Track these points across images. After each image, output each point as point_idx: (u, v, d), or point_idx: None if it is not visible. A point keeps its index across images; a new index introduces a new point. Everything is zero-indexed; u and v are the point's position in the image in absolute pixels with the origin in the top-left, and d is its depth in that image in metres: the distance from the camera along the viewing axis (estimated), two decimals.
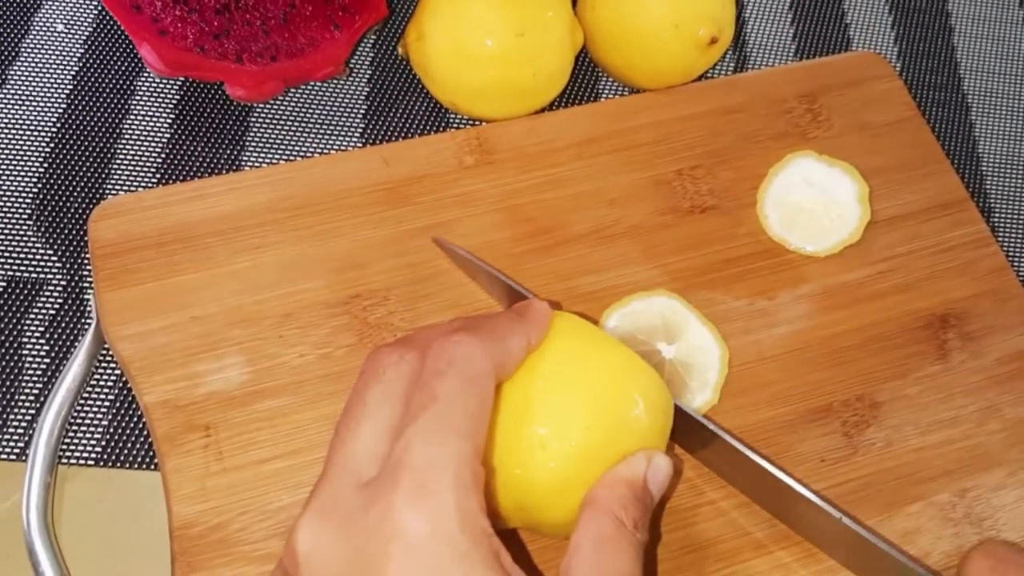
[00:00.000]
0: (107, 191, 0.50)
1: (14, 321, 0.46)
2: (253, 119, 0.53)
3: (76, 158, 0.51)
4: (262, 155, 0.52)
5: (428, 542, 0.28)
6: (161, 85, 0.53)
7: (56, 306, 0.47)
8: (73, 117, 0.52)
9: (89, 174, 0.50)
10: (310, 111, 0.53)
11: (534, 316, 0.35)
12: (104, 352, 0.45)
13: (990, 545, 0.39)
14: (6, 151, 0.51)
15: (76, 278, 0.47)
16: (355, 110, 0.54)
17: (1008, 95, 0.59)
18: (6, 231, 0.48)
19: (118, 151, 0.51)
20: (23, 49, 0.54)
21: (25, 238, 0.48)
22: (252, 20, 0.49)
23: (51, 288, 0.47)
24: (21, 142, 0.51)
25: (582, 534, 0.32)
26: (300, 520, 0.30)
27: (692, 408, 0.41)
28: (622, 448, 0.34)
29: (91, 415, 0.44)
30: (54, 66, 0.54)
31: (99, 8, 0.56)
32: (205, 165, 0.51)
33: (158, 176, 0.51)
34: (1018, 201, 0.55)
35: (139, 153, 0.51)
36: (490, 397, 0.32)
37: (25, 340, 0.46)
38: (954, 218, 0.51)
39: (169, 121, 0.52)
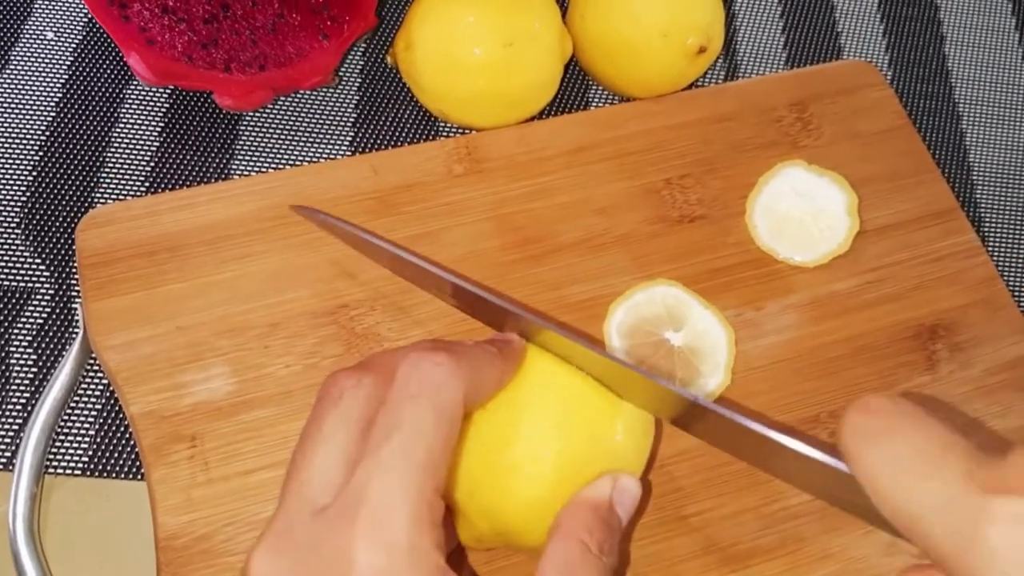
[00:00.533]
0: (96, 200, 0.50)
1: (1, 330, 0.46)
2: (242, 128, 0.53)
3: (65, 166, 0.51)
4: (251, 164, 0.52)
5: None
6: (150, 94, 0.53)
7: (44, 315, 0.47)
8: (62, 125, 0.52)
9: (78, 183, 0.50)
10: (299, 120, 0.53)
11: (511, 351, 0.35)
12: (91, 362, 0.45)
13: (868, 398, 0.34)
14: None
15: (64, 287, 0.47)
16: (344, 119, 0.54)
17: (999, 104, 0.59)
18: None
19: (107, 160, 0.51)
20: (12, 56, 0.54)
21: (13, 247, 0.48)
22: (240, 30, 0.49)
23: (39, 297, 0.47)
24: (10, 150, 0.51)
25: (548, 561, 0.32)
26: (255, 549, 0.29)
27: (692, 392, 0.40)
28: (599, 470, 0.34)
29: (78, 425, 0.44)
30: (43, 74, 0.53)
31: (89, 16, 0.56)
32: (194, 174, 0.51)
33: (147, 185, 0.51)
34: (1008, 210, 0.55)
35: (128, 162, 0.51)
36: (456, 430, 0.31)
37: (12, 349, 0.46)
38: (944, 227, 0.51)
39: (158, 130, 0.52)
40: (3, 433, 0.44)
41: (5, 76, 0.53)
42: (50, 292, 0.47)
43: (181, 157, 0.52)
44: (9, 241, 0.48)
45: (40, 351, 0.46)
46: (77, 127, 0.52)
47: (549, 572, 0.31)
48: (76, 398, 0.45)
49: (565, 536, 0.32)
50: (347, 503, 0.29)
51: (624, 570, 0.40)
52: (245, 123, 0.53)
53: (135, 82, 0.54)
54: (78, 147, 0.51)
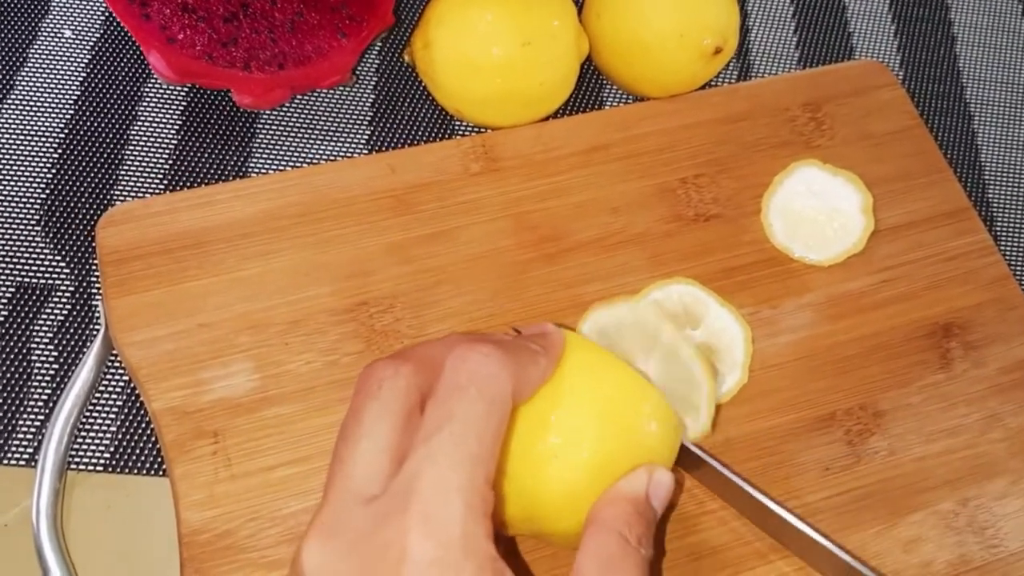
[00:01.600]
0: (114, 197, 0.50)
1: (23, 327, 0.46)
2: (259, 126, 0.53)
3: (83, 164, 0.51)
4: (268, 162, 0.52)
5: (434, 568, 0.28)
6: (168, 92, 0.54)
7: (64, 312, 0.47)
8: (80, 123, 0.52)
9: (96, 180, 0.51)
10: (316, 118, 0.54)
11: (553, 344, 0.35)
12: (112, 358, 0.46)
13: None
14: (14, 157, 0.51)
15: (84, 284, 0.48)
16: (361, 117, 0.54)
17: (1010, 104, 0.59)
18: (15, 237, 0.49)
19: (125, 157, 0.51)
20: (31, 54, 0.54)
21: (33, 244, 0.49)
22: (260, 28, 0.49)
23: (59, 294, 0.47)
24: (29, 148, 0.51)
25: (587, 555, 0.32)
26: (306, 538, 0.30)
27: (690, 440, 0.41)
28: (634, 461, 0.35)
29: (100, 421, 0.44)
30: (62, 72, 0.54)
31: (107, 14, 0.56)
32: (212, 172, 0.51)
33: (165, 182, 0.51)
34: (1020, 210, 0.55)
35: (146, 159, 0.52)
36: (505, 422, 0.31)
37: (34, 346, 0.46)
38: (957, 227, 0.51)
39: (176, 128, 0.53)
40: (26, 429, 0.44)
41: (23, 74, 0.53)
42: (70, 289, 0.47)
43: (199, 155, 0.52)
44: (29, 238, 0.49)
45: (61, 348, 0.46)
46: (95, 125, 0.52)
47: (588, 566, 0.31)
48: (97, 394, 0.45)
49: (604, 530, 0.32)
50: (398, 493, 0.29)
51: (660, 562, 0.41)
52: (262, 121, 0.53)
53: (153, 79, 0.54)
54: (96, 144, 0.52)
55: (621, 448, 0.34)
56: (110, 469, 0.44)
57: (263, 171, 0.52)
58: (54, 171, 0.51)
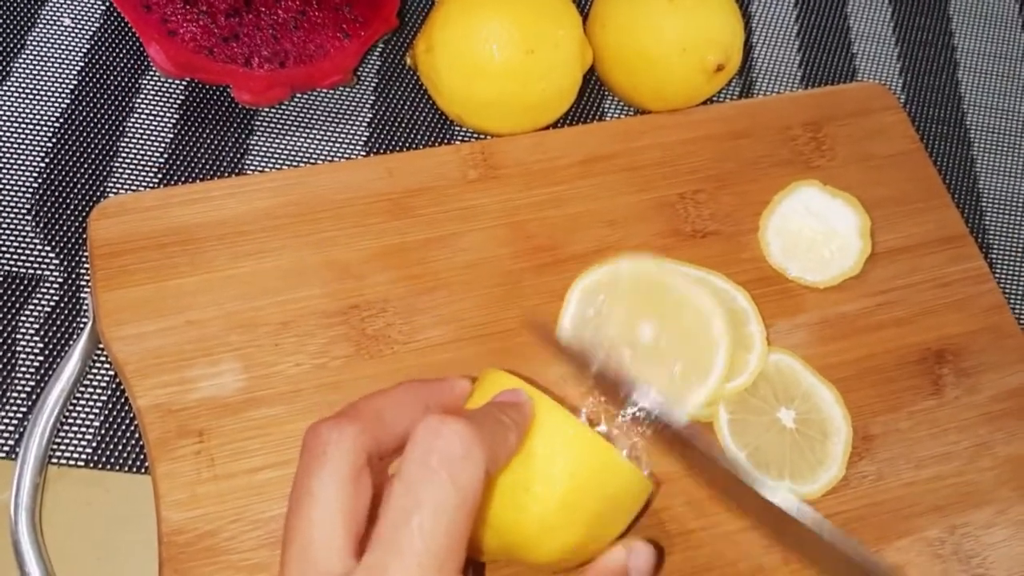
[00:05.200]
0: (108, 189, 0.50)
1: (9, 316, 0.46)
2: (257, 123, 0.53)
3: (78, 154, 0.50)
4: (265, 160, 0.52)
5: None
6: (166, 85, 0.53)
7: (52, 303, 0.46)
8: (76, 113, 0.52)
9: (90, 171, 0.50)
10: (315, 118, 0.53)
11: (524, 416, 0.34)
12: (98, 353, 0.45)
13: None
14: (8, 145, 0.50)
15: (73, 276, 0.47)
16: (360, 119, 0.54)
17: (1011, 132, 0.59)
18: (5, 226, 0.48)
19: (120, 149, 0.51)
20: (28, 42, 0.54)
21: (23, 233, 0.48)
22: (262, 25, 0.49)
23: (48, 284, 0.47)
24: (23, 136, 0.51)
25: None
26: None
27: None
28: (607, 491, 0.35)
29: (83, 416, 0.44)
30: (59, 61, 0.53)
31: (107, 4, 0.55)
32: (208, 167, 0.51)
33: (160, 176, 0.50)
34: (1017, 238, 0.55)
35: (141, 152, 0.51)
36: (476, 509, 0.30)
37: (19, 336, 0.45)
38: (953, 253, 0.51)
39: (173, 121, 0.52)
40: (8, 421, 0.43)
41: (21, 61, 0.53)
42: (59, 280, 0.47)
43: (195, 150, 0.51)
44: (20, 227, 0.48)
45: (47, 339, 0.45)
46: (91, 115, 0.52)
47: None
48: (82, 389, 0.44)
49: None
50: None
51: None
52: (260, 118, 0.53)
53: (151, 72, 0.53)
54: (91, 135, 0.51)
55: (595, 479, 0.35)
56: (91, 465, 0.43)
57: (259, 169, 0.51)
58: (47, 160, 0.50)
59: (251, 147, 0.52)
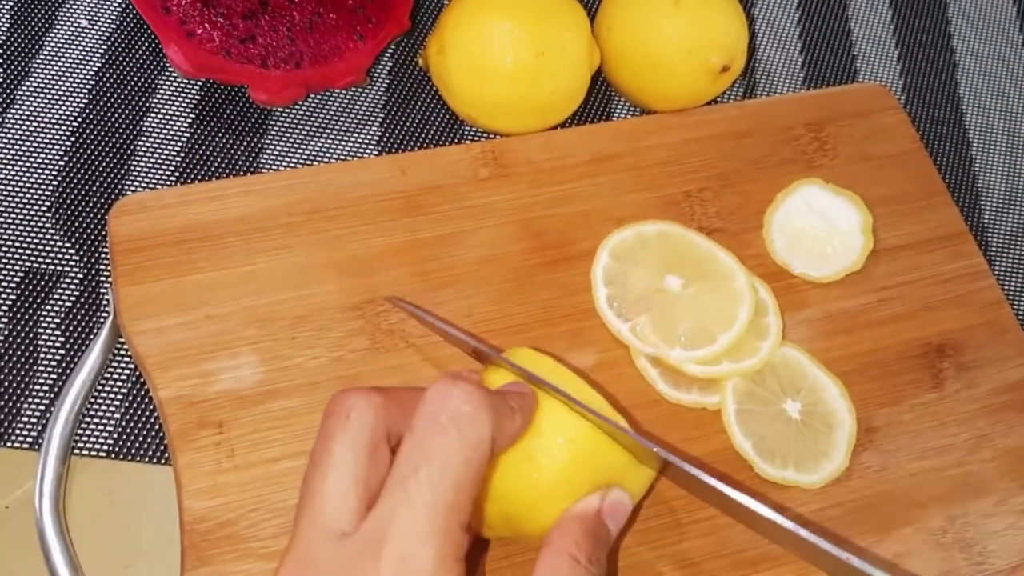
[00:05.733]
0: (126, 187, 0.51)
1: (31, 311, 0.47)
2: (272, 122, 0.54)
3: (96, 153, 0.51)
4: (279, 159, 0.53)
5: None
6: (182, 84, 0.54)
7: (73, 298, 0.47)
8: (94, 112, 0.53)
9: (108, 169, 0.51)
10: (328, 117, 0.54)
11: (528, 405, 0.35)
12: (119, 346, 0.46)
13: None
14: (27, 144, 0.51)
15: (93, 271, 0.48)
16: (372, 118, 0.55)
17: (1009, 132, 0.60)
18: (25, 223, 0.49)
19: (137, 148, 0.52)
20: (46, 43, 0.55)
21: (44, 230, 0.49)
22: (278, 26, 0.50)
23: (68, 280, 0.48)
24: (42, 135, 0.52)
25: (538, 574, 0.33)
26: (279, 572, 0.30)
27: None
28: (606, 460, 0.36)
29: (104, 407, 0.45)
30: (77, 61, 0.54)
31: (123, 5, 0.56)
32: (223, 166, 0.52)
33: (176, 174, 0.51)
34: (1015, 235, 0.56)
35: (158, 151, 0.52)
36: (484, 468, 0.31)
37: (41, 331, 0.46)
38: (953, 250, 0.52)
39: (189, 120, 0.53)
40: (31, 412, 0.44)
41: (39, 62, 0.54)
42: (79, 276, 0.48)
43: (211, 148, 0.52)
44: (40, 224, 0.49)
45: (68, 333, 0.46)
46: (109, 115, 0.53)
47: None
48: (103, 381, 0.45)
49: (555, 551, 0.34)
50: (372, 534, 0.29)
51: (615, 574, 0.41)
52: (275, 118, 0.54)
53: (167, 72, 0.55)
54: (109, 134, 0.52)
55: (594, 448, 0.36)
56: (113, 455, 0.44)
57: (274, 167, 0.52)
58: (66, 159, 0.51)
59: (266, 146, 0.53)
